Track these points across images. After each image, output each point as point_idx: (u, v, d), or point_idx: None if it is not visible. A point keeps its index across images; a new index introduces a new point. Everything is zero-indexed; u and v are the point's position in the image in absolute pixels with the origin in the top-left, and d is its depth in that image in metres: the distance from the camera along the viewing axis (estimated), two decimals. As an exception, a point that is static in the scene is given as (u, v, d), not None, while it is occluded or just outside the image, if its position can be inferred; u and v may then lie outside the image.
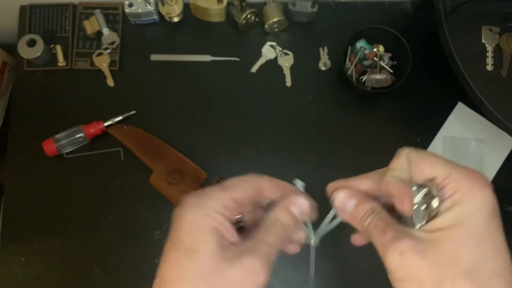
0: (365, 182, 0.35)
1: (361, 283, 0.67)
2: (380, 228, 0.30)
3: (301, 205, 0.34)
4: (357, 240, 0.37)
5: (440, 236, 0.28)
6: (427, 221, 0.30)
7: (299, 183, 0.37)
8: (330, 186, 0.36)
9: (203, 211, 0.30)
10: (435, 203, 0.29)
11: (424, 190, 0.30)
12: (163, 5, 0.72)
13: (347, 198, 0.34)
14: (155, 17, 0.73)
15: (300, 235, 0.37)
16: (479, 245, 0.27)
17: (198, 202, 0.31)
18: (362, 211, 0.33)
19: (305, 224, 0.36)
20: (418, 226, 0.30)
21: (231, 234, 0.31)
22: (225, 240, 0.30)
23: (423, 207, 0.30)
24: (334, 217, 0.36)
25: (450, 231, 0.28)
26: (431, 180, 0.30)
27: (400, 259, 0.28)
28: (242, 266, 0.29)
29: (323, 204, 0.38)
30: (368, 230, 0.32)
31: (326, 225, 0.36)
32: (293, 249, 0.37)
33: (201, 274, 0.29)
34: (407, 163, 0.31)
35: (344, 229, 0.36)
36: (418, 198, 0.30)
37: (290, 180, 0.39)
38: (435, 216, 0.29)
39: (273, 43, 0.74)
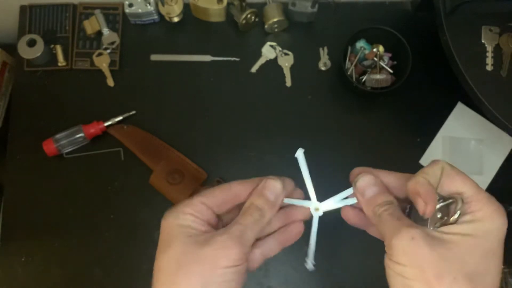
0: (389, 177, 0.36)
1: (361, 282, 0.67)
2: (396, 216, 0.32)
3: (274, 187, 0.36)
4: (350, 214, 0.38)
5: (453, 238, 0.30)
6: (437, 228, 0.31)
7: (299, 152, 0.40)
8: (356, 170, 0.37)
9: (174, 215, 0.35)
10: (456, 214, 0.31)
11: (449, 201, 0.32)
12: (163, 5, 0.72)
13: (370, 184, 0.35)
14: (155, 17, 0.74)
15: (302, 211, 0.39)
16: (487, 258, 0.29)
17: (171, 210, 0.36)
18: (381, 200, 0.34)
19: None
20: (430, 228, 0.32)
21: (205, 228, 0.34)
22: (198, 231, 0.34)
23: (439, 215, 0.32)
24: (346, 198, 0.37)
25: (463, 237, 0.30)
26: (459, 194, 0.32)
27: (410, 243, 0.29)
28: (214, 244, 0.32)
29: (324, 199, 0.39)
30: (380, 215, 0.33)
31: (335, 202, 0.38)
32: (297, 228, 0.39)
33: (173, 258, 0.32)
34: (440, 172, 0.33)
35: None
36: (437, 205, 0.32)
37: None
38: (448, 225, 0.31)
39: (273, 43, 0.74)
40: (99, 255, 0.67)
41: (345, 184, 0.71)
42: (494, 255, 0.30)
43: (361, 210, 0.36)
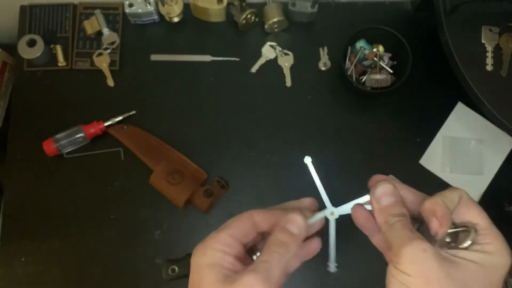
0: (406, 191, 0.37)
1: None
2: (408, 227, 0.32)
3: (296, 221, 0.36)
4: (360, 215, 0.38)
5: (461, 261, 0.31)
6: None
7: (307, 160, 0.40)
8: (377, 177, 0.38)
9: (202, 252, 0.35)
10: (467, 242, 0.32)
11: (461, 229, 0.33)
12: (163, 5, 0.72)
13: (388, 193, 0.35)
14: (155, 17, 0.74)
15: (317, 223, 0.39)
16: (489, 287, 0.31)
17: (200, 246, 0.36)
18: (397, 210, 0.34)
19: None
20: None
21: (233, 264, 0.35)
22: (227, 270, 0.34)
23: (447, 239, 0.33)
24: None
25: (471, 263, 0.31)
26: (472, 224, 0.33)
27: (420, 254, 0.30)
28: (242, 284, 0.32)
29: (318, 202, 0.39)
30: (392, 225, 0.33)
31: (350, 207, 0.38)
32: (316, 244, 0.39)
33: None
34: (457, 199, 0.34)
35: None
36: (449, 230, 0.33)
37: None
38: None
39: (273, 43, 0.74)
40: (99, 255, 0.67)
41: (346, 184, 0.71)
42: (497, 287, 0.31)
43: (371, 214, 0.37)
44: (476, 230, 0.32)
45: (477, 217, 0.33)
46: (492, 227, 0.33)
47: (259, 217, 0.38)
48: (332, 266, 0.38)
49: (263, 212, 0.38)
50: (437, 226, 0.32)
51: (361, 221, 0.38)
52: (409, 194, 0.36)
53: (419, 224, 0.36)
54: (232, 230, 0.36)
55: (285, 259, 0.34)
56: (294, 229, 0.36)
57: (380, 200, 0.35)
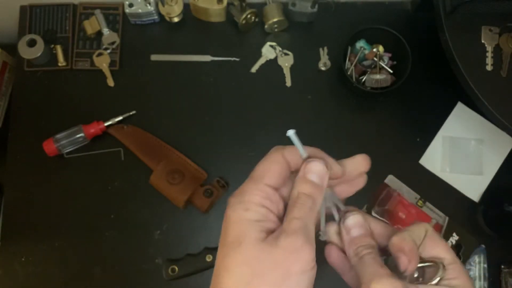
0: (375, 224, 0.36)
1: None
2: (378, 262, 0.32)
3: (317, 169, 0.35)
4: (333, 254, 0.37)
5: None
6: None
7: (291, 132, 0.37)
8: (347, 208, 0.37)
9: (243, 206, 0.32)
10: (436, 278, 0.32)
11: (427, 264, 0.33)
12: (163, 5, 0.72)
13: (358, 225, 0.35)
14: (155, 17, 0.74)
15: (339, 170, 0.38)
16: None
17: (239, 199, 0.33)
18: (366, 242, 0.34)
19: None
20: None
21: (275, 222, 0.33)
22: (269, 228, 0.32)
23: (415, 274, 0.33)
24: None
25: None
26: (439, 258, 0.33)
27: None
28: (282, 247, 0.30)
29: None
30: (362, 257, 0.32)
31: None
32: (353, 186, 0.39)
33: (246, 262, 0.30)
34: (423, 234, 0.34)
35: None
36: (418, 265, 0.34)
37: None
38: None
39: (273, 43, 0.74)
40: (99, 255, 0.67)
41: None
42: None
43: (344, 253, 0.36)
44: (443, 266, 0.33)
45: (443, 252, 0.33)
46: (457, 261, 0.33)
47: (290, 155, 0.35)
48: (322, 235, 0.37)
49: (292, 149, 0.36)
50: (406, 263, 0.32)
51: (333, 260, 0.37)
52: (377, 226, 0.36)
53: (386, 257, 0.36)
54: (270, 178, 0.34)
55: (315, 212, 0.33)
56: (317, 179, 0.34)
57: (350, 231, 0.34)
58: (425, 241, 0.34)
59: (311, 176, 0.34)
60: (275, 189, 0.34)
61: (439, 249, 0.34)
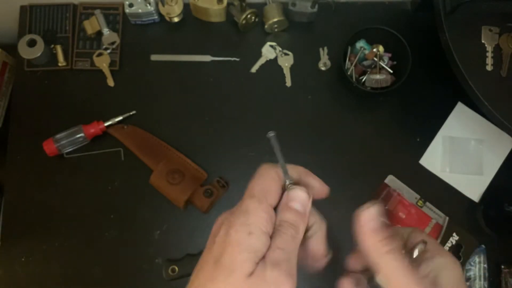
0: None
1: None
2: (404, 263, 0.32)
3: (300, 198, 0.34)
4: (353, 262, 0.38)
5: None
6: None
7: (271, 134, 0.37)
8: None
9: (248, 229, 0.31)
10: (416, 251, 0.36)
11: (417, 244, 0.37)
12: (163, 5, 0.72)
13: (373, 219, 0.34)
14: (155, 17, 0.74)
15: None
16: None
17: (243, 220, 0.32)
18: (382, 236, 0.34)
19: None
20: None
21: (267, 246, 0.32)
22: (259, 258, 0.31)
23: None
24: None
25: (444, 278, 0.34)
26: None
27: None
28: (267, 282, 0.30)
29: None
30: (385, 256, 0.33)
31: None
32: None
33: None
34: (411, 230, 0.39)
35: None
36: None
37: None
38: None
39: (273, 43, 0.74)
40: (99, 255, 0.67)
41: (345, 183, 0.71)
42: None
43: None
44: (424, 242, 0.36)
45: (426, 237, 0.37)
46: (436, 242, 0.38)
47: (277, 171, 0.35)
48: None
49: (278, 171, 0.36)
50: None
51: (357, 266, 0.38)
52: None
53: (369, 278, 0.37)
54: (272, 197, 0.33)
55: (298, 241, 0.33)
56: (300, 207, 0.34)
57: (366, 225, 0.34)
58: (412, 234, 0.37)
59: (294, 204, 0.34)
60: (273, 210, 0.34)
61: (423, 236, 0.37)
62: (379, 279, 0.33)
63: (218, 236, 0.32)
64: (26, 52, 0.71)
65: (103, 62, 0.72)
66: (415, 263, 0.35)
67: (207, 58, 0.74)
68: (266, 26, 0.73)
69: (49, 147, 0.67)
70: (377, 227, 0.34)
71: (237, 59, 0.74)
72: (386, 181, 0.70)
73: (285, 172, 0.35)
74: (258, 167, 0.38)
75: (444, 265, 0.35)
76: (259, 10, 0.73)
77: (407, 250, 0.36)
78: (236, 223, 0.32)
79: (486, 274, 0.67)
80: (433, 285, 0.33)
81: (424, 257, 0.35)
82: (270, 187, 0.34)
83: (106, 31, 0.73)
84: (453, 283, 0.34)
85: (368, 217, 0.34)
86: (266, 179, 0.35)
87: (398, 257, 0.32)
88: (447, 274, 0.34)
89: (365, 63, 0.70)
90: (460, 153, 0.71)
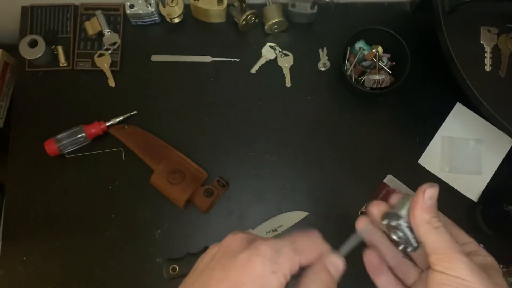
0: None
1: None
2: (450, 238, 0.34)
3: (337, 264, 0.35)
4: (373, 257, 0.38)
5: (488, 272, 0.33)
6: None
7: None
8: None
9: (274, 268, 0.30)
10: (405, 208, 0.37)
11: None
12: (164, 6, 0.72)
13: (435, 197, 0.36)
14: (156, 18, 0.74)
15: None
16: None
17: (273, 257, 0.31)
18: (437, 214, 0.35)
19: None
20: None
21: None
22: None
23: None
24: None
25: (493, 271, 0.34)
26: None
27: (475, 266, 0.32)
28: None
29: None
30: (438, 228, 0.34)
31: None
32: None
33: None
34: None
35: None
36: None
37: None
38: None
39: (273, 44, 0.74)
40: (100, 254, 0.67)
41: (345, 184, 0.71)
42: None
43: (380, 257, 0.38)
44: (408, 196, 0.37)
45: (469, 237, 0.37)
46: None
47: (325, 249, 0.35)
48: None
49: (326, 245, 0.36)
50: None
51: (371, 262, 0.38)
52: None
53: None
54: (305, 259, 0.33)
55: None
56: (334, 272, 0.34)
57: (428, 200, 0.35)
58: (453, 231, 0.37)
59: (331, 268, 0.34)
60: (297, 269, 0.33)
61: (464, 235, 0.37)
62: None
63: (240, 254, 0.31)
64: (27, 53, 0.71)
65: (104, 63, 0.73)
66: None
67: (208, 58, 0.74)
68: (266, 27, 0.73)
69: (50, 147, 0.67)
70: (434, 205, 0.35)
71: (237, 60, 0.74)
72: (385, 180, 0.70)
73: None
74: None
75: (492, 265, 0.35)
76: (259, 11, 0.73)
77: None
78: (267, 254, 0.31)
79: (485, 274, 0.67)
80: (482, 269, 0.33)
81: (476, 254, 0.36)
82: (311, 250, 0.34)
83: (107, 31, 0.73)
84: (500, 277, 0.34)
85: (430, 195, 0.35)
86: (314, 242, 0.35)
87: (447, 233, 0.34)
88: (493, 270, 0.34)
89: (364, 63, 0.70)
90: (459, 153, 0.71)
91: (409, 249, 0.36)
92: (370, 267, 0.38)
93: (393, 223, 0.36)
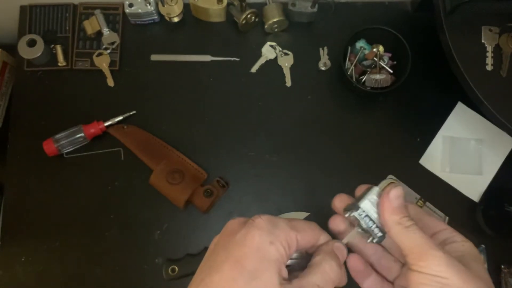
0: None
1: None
2: (425, 234, 0.33)
3: (343, 251, 0.36)
4: (357, 261, 0.38)
5: (465, 263, 0.32)
6: None
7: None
8: (362, 186, 0.38)
9: (271, 238, 0.32)
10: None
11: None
12: (163, 5, 0.72)
13: (402, 196, 0.35)
14: (155, 17, 0.74)
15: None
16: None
17: (269, 228, 0.32)
18: (407, 213, 0.34)
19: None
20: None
21: (284, 270, 0.32)
22: (281, 274, 0.32)
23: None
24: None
25: (471, 262, 0.33)
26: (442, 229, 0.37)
27: (451, 259, 0.31)
28: None
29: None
30: (409, 228, 0.33)
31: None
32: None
33: None
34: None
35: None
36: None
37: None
38: None
39: (273, 43, 0.74)
40: (99, 255, 0.67)
41: (345, 184, 0.71)
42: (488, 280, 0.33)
43: (363, 261, 0.38)
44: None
45: (441, 225, 0.36)
46: (455, 230, 0.36)
47: (323, 238, 0.36)
48: None
49: (327, 235, 0.37)
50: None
51: (355, 266, 0.38)
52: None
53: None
54: (302, 238, 0.34)
55: (331, 285, 0.34)
56: (341, 258, 0.35)
57: (394, 201, 0.35)
58: (424, 219, 0.36)
59: (339, 252, 0.36)
60: (296, 247, 0.34)
61: (437, 223, 0.36)
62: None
63: (238, 231, 0.32)
64: (26, 52, 0.71)
65: (103, 62, 0.72)
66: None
67: (207, 58, 0.74)
68: (266, 26, 0.73)
69: (49, 147, 0.67)
70: (401, 204, 0.35)
71: (237, 59, 0.74)
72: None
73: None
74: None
75: (470, 252, 0.34)
76: (259, 10, 0.73)
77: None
78: (264, 227, 0.32)
79: (486, 274, 0.67)
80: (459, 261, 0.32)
81: (452, 241, 0.35)
82: (307, 233, 0.35)
83: (106, 31, 0.73)
84: (479, 267, 0.33)
85: (396, 195, 0.35)
86: (311, 227, 0.35)
87: (419, 231, 0.33)
88: (472, 258, 0.33)
89: (365, 63, 0.70)
90: (460, 153, 0.71)
91: (375, 240, 0.36)
92: (355, 272, 0.38)
93: (353, 215, 0.36)
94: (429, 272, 0.31)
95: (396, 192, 0.35)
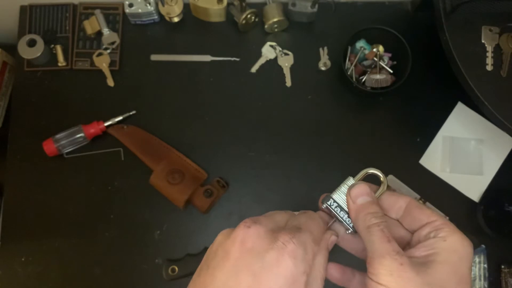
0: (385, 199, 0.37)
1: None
2: (386, 235, 0.32)
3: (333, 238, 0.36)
4: (334, 269, 0.37)
5: (434, 266, 0.31)
6: None
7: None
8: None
9: (305, 267, 0.31)
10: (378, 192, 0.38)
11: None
12: (163, 5, 0.72)
13: (365, 193, 0.35)
14: (155, 17, 0.74)
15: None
16: (460, 285, 0.31)
17: (303, 256, 0.31)
18: (373, 210, 0.34)
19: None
20: None
21: None
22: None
23: None
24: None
25: (442, 265, 0.31)
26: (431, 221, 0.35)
27: (399, 267, 0.30)
28: None
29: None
30: (370, 229, 0.33)
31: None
32: None
33: None
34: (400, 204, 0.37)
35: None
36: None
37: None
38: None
39: (273, 43, 0.74)
40: (99, 255, 0.67)
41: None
42: (467, 283, 0.31)
43: (343, 267, 0.37)
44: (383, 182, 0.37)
45: (432, 216, 0.34)
46: (447, 222, 0.33)
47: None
48: None
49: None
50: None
51: (334, 274, 0.37)
52: (386, 200, 0.37)
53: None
54: (317, 243, 0.34)
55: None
56: (330, 245, 0.36)
57: (357, 199, 0.35)
58: (413, 212, 0.35)
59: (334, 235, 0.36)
60: None
61: (426, 215, 0.34)
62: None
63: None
64: (26, 52, 0.71)
65: (103, 62, 0.72)
66: (418, 241, 0.33)
67: (207, 58, 0.74)
68: (266, 26, 0.73)
69: (49, 147, 0.67)
70: (366, 202, 0.35)
71: (237, 59, 0.74)
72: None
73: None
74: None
75: (453, 251, 0.32)
76: (259, 10, 0.73)
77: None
78: (297, 255, 0.31)
79: (486, 274, 0.67)
80: (423, 265, 0.31)
81: (432, 236, 0.33)
82: (321, 232, 0.35)
83: (106, 31, 0.73)
84: (450, 269, 0.30)
85: (356, 193, 0.35)
86: (317, 221, 0.36)
87: (380, 231, 0.32)
88: (448, 257, 0.31)
89: (365, 63, 0.70)
90: (460, 153, 0.71)
91: (348, 231, 0.36)
92: (336, 280, 0.37)
93: (325, 205, 0.36)
94: (377, 280, 0.30)
95: (356, 191, 0.35)
